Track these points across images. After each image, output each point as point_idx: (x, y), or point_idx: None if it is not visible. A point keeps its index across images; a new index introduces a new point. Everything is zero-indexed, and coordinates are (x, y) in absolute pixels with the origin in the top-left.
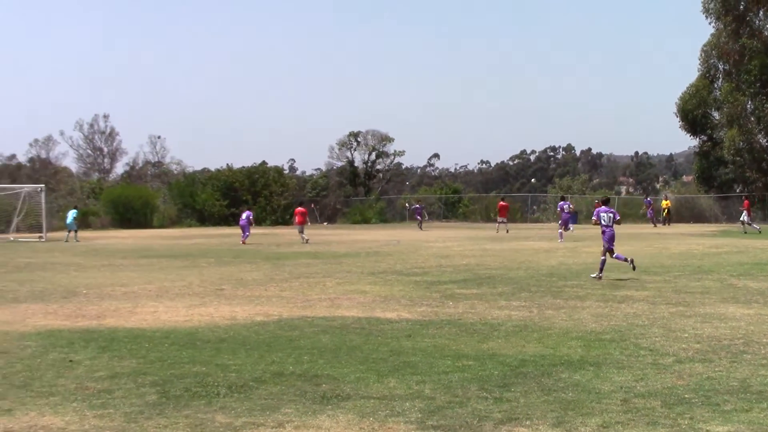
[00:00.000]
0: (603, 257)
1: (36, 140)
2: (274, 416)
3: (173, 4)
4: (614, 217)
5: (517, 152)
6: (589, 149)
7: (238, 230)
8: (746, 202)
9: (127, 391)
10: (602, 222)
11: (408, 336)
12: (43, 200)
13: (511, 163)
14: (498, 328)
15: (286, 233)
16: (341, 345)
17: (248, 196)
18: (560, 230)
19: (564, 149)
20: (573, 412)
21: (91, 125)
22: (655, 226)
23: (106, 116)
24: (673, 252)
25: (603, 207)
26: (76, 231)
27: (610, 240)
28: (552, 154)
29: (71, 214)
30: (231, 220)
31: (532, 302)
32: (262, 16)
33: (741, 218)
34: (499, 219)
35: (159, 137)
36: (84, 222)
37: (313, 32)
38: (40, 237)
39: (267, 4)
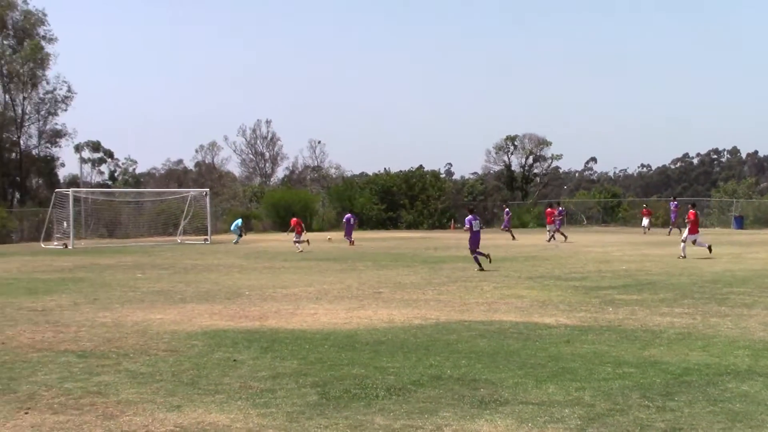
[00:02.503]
0: (474, 255)
1: (201, 146)
2: (432, 419)
3: (342, 10)
4: (480, 224)
5: (680, 155)
6: (756, 152)
7: (395, 234)
8: (647, 210)
9: (288, 391)
10: (474, 228)
11: (567, 341)
12: (207, 204)
13: (672, 166)
14: (660, 335)
15: (444, 237)
16: (499, 349)
17: (405, 200)
18: (510, 230)
19: (729, 152)
20: (741, 424)
21: (254, 130)
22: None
23: (268, 121)
24: None
25: (471, 216)
26: (240, 235)
27: (476, 242)
28: (716, 157)
29: (235, 223)
30: (389, 224)
31: (695, 309)
32: (428, 19)
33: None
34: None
35: (319, 142)
36: (246, 225)
37: (467, 35)
38: (205, 239)
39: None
